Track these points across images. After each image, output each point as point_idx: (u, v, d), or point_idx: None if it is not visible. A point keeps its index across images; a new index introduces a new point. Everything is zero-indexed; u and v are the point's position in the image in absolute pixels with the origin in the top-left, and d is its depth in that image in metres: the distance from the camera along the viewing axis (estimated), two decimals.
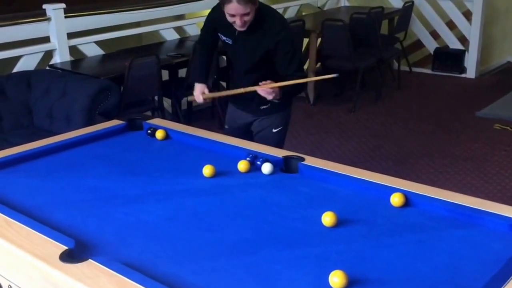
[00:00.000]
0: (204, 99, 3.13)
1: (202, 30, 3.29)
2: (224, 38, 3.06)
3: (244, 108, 3.19)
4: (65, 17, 4.92)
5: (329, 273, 1.58)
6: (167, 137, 2.78)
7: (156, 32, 6.05)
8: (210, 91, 3.17)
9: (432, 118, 5.90)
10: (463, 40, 7.51)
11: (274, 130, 3.14)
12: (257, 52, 2.93)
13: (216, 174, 2.33)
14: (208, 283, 1.61)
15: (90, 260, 1.67)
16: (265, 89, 2.77)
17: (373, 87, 6.76)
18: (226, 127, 3.33)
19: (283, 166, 2.40)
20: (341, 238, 1.86)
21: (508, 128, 5.51)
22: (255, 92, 2.83)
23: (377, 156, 4.96)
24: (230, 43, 3.02)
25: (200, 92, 3.12)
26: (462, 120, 5.82)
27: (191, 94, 3.20)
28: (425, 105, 6.36)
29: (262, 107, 3.09)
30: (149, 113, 4.86)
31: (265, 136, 3.11)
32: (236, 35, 2.96)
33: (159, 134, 2.76)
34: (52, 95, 4.20)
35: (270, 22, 2.90)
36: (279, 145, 3.07)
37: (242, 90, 2.92)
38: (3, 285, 1.99)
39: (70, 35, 5.02)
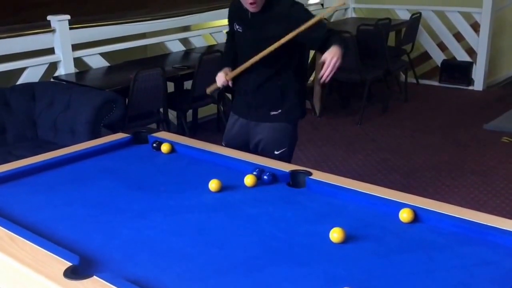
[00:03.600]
0: (227, 80, 3.03)
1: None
2: (237, 27, 3.03)
3: (248, 114, 3.11)
4: (70, 28, 4.93)
5: None
6: (172, 150, 2.75)
7: (161, 44, 6.05)
8: None
9: (439, 130, 5.87)
10: (471, 52, 7.48)
11: (276, 152, 3.02)
12: (269, 36, 2.85)
13: (222, 189, 2.31)
14: None
15: (94, 276, 1.65)
16: (333, 62, 2.68)
17: (380, 99, 6.73)
18: (223, 144, 3.24)
19: (290, 180, 2.38)
20: (350, 255, 1.83)
21: None
22: (265, 96, 2.78)
23: (384, 169, 4.93)
24: (241, 30, 3.00)
25: (223, 74, 3.05)
26: (470, 132, 5.79)
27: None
28: (432, 118, 6.32)
29: (273, 113, 3.02)
30: (154, 125, 4.85)
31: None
32: (248, 21, 2.94)
33: (165, 147, 2.74)
34: (57, 107, 4.19)
35: (281, 4, 2.88)
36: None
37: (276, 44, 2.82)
38: None
39: (75, 47, 5.01)
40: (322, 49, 2.77)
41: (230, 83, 3.05)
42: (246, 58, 2.95)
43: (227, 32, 3.34)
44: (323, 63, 2.68)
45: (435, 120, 6.22)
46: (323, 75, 2.69)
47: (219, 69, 3.10)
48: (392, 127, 6.01)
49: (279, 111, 3.01)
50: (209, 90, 3.18)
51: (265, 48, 2.83)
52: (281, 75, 2.94)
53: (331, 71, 2.67)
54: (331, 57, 2.66)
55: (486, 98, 7.10)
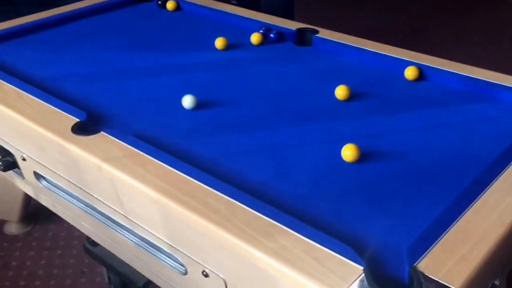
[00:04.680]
0: None
1: None
2: None
3: None
4: None
5: (342, 146, 1.58)
6: (178, 8, 2.71)
7: None
8: None
9: None
10: None
11: None
12: None
13: (228, 47, 2.29)
14: (220, 155, 1.61)
15: (102, 132, 1.67)
16: None
17: None
18: None
19: (297, 38, 2.35)
20: (354, 112, 1.84)
21: None
22: None
23: (391, 29, 4.86)
24: None
25: None
26: None
27: None
28: None
29: None
30: None
31: None
32: None
33: (170, 4, 2.69)
34: None
35: None
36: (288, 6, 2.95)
37: None
38: (16, 156, 2.01)
39: None
40: None
41: None
42: None
43: None
44: None
45: None
46: None
47: None
48: None
49: None
50: None
51: None
52: None
53: None
54: None
55: None
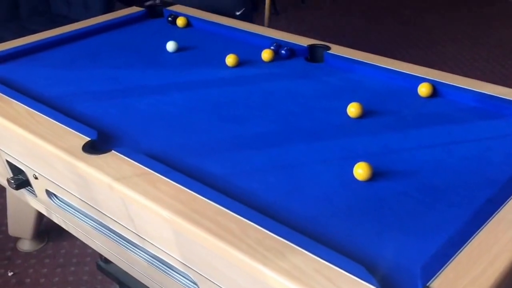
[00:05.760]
0: None
1: None
2: None
3: None
4: None
5: (354, 165, 1.57)
6: (188, 24, 2.72)
7: None
8: None
9: (463, 2, 5.72)
10: None
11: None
12: None
13: (239, 64, 2.29)
14: (232, 174, 1.60)
15: (113, 151, 1.67)
16: None
17: None
18: None
19: (308, 55, 2.35)
20: (367, 129, 1.83)
21: None
22: None
23: (404, 43, 4.85)
24: None
25: None
26: (496, 5, 5.63)
27: None
28: None
29: None
30: None
31: None
32: None
33: (180, 21, 2.70)
34: None
35: None
36: None
37: None
38: (28, 174, 2.01)
39: None
40: None
41: None
42: None
43: None
44: None
45: None
46: None
47: None
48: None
49: None
50: None
51: None
52: None
53: None
54: None
55: None
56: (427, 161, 1.64)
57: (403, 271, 1.23)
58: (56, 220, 2.09)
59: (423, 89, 2.01)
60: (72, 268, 2.81)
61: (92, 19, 2.80)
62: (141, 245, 1.64)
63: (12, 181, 2.07)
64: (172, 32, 2.67)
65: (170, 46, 2.42)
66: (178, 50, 2.44)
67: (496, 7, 5.53)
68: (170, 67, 2.30)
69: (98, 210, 1.73)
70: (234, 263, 1.31)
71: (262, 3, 5.58)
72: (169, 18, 2.76)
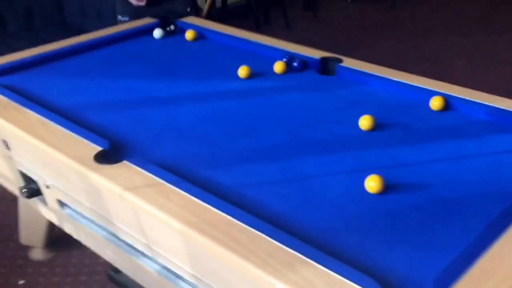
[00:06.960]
0: None
1: None
2: None
3: None
4: None
5: (365, 177, 1.57)
6: (197, 38, 2.72)
7: None
8: None
9: (473, 17, 5.72)
10: None
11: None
12: None
13: (251, 76, 2.29)
14: (243, 185, 1.60)
15: (125, 161, 1.67)
16: None
17: None
18: None
19: (320, 67, 2.35)
20: (378, 142, 1.83)
21: None
22: None
23: (415, 57, 4.85)
24: None
25: None
26: (507, 19, 5.62)
27: None
28: (468, 3, 6.13)
29: None
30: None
31: None
32: None
33: (189, 34, 2.70)
34: None
35: None
36: None
37: None
38: (40, 183, 2.02)
39: None
40: None
41: None
42: None
43: None
44: None
45: (472, 3, 6.04)
46: None
47: None
48: (425, 13, 5.86)
49: None
50: None
51: None
52: None
53: None
54: None
55: None
56: (439, 175, 1.64)
57: (414, 285, 1.22)
58: (67, 229, 2.10)
59: (435, 103, 2.00)
60: (83, 277, 2.81)
61: (105, 29, 2.81)
62: (151, 256, 1.65)
63: (24, 190, 2.08)
64: (186, 42, 2.68)
65: (157, 33, 2.67)
66: (189, 58, 2.45)
67: (506, 21, 5.52)
68: (182, 78, 2.31)
69: (109, 220, 1.74)
70: (244, 275, 1.30)
71: (273, 15, 5.60)
72: (168, 29, 2.76)
